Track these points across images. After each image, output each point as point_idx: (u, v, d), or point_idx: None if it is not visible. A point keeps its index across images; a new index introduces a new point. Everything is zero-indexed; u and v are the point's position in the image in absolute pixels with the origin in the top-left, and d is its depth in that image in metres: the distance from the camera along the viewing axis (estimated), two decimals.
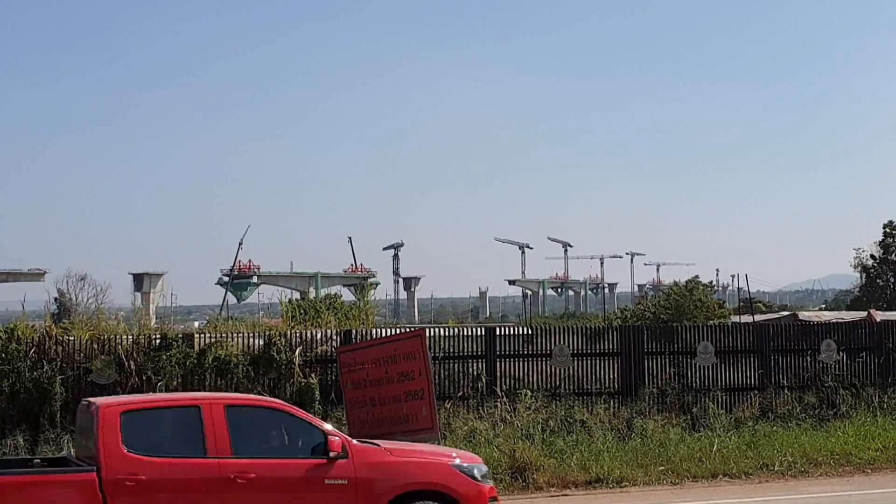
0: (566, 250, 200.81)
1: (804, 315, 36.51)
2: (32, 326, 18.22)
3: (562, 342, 20.22)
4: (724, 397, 20.06)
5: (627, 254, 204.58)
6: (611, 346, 20.76)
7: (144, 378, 17.09)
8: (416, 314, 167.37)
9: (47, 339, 17.28)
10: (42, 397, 16.67)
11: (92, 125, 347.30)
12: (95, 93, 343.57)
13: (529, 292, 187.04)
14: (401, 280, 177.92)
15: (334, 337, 19.04)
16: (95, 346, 17.43)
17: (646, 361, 20.33)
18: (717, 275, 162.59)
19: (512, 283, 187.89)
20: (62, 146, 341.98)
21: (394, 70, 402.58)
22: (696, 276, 52.71)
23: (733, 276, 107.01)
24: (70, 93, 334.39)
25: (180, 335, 18.42)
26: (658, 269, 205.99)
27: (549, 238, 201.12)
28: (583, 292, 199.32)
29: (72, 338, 17.57)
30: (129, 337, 17.89)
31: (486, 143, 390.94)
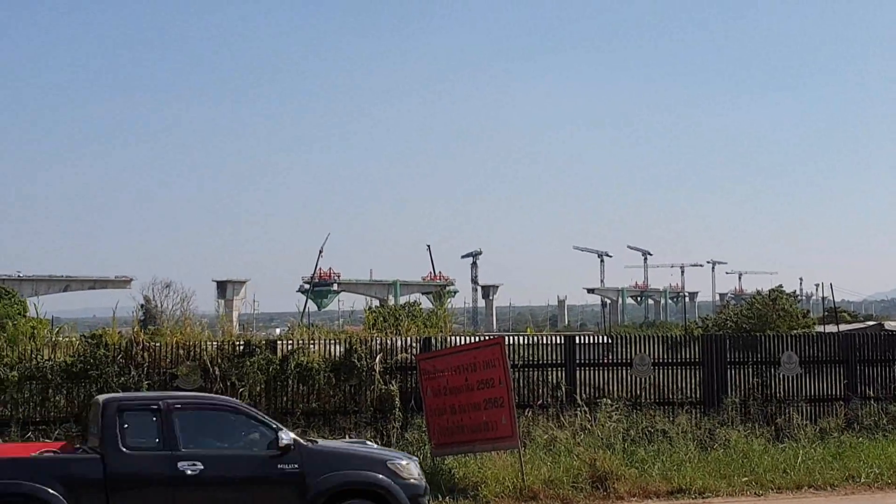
0: (646, 258, 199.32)
1: (890, 325, 35.76)
2: (120, 333, 18.60)
3: (642, 351, 20.08)
4: (808, 408, 19.76)
5: (708, 262, 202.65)
6: (692, 356, 20.56)
7: (229, 384, 17.35)
8: (495, 322, 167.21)
9: (134, 345, 17.60)
10: None
11: (173, 134, 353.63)
12: (183, 101, 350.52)
13: (608, 301, 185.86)
14: (479, 288, 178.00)
15: (414, 344, 19.12)
16: (181, 352, 17.73)
17: (728, 371, 20.10)
18: (801, 284, 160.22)
19: (591, 291, 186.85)
20: (144, 156, 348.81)
21: (477, 78, 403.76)
22: (780, 286, 51.77)
23: (817, 286, 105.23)
24: (162, 101, 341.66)
25: (263, 342, 18.64)
26: (740, 278, 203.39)
27: (629, 246, 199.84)
28: (663, 301, 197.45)
29: (158, 344, 17.89)
30: (214, 343, 18.17)
31: (565, 150, 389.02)
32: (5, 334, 18.71)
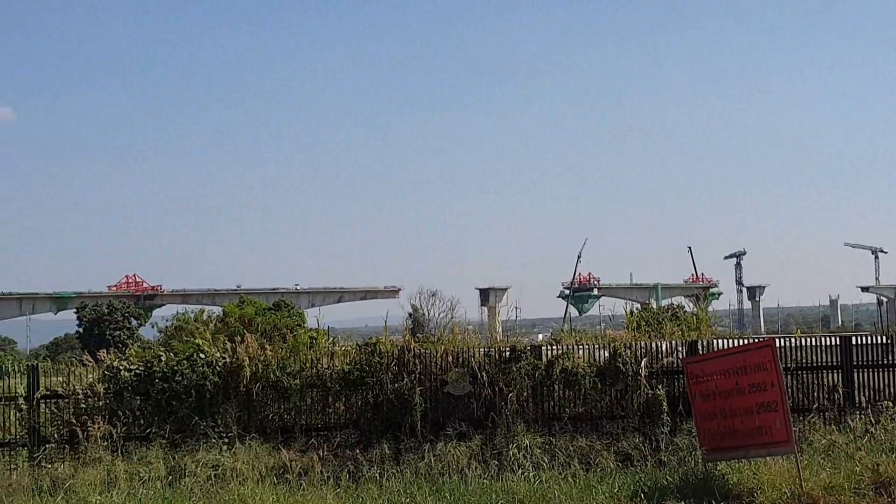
0: None
1: None
2: (392, 341, 19.28)
3: None
4: None
5: None
6: None
7: (497, 389, 17.68)
8: (762, 324, 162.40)
9: (406, 352, 18.19)
10: (403, 408, 17.58)
11: (429, 147, 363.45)
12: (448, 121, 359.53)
13: (885, 299, 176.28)
14: (744, 289, 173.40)
15: (680, 348, 18.86)
16: (450, 358, 18.19)
17: None
18: None
19: (865, 289, 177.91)
20: (405, 171, 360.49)
21: (734, 74, 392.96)
22: None
23: None
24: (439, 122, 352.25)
25: (528, 347, 18.86)
26: None
27: None
28: None
29: (428, 351, 18.43)
30: (481, 349, 18.56)
31: (830, 143, 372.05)
32: (286, 345, 19.72)
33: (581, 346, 18.98)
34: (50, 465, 16.50)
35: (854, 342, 19.38)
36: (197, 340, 19.32)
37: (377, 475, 15.91)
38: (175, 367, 17.68)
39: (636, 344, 18.86)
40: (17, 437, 17.60)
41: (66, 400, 17.64)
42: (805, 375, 18.74)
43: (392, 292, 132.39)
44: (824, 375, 18.79)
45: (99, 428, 16.90)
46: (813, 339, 19.88)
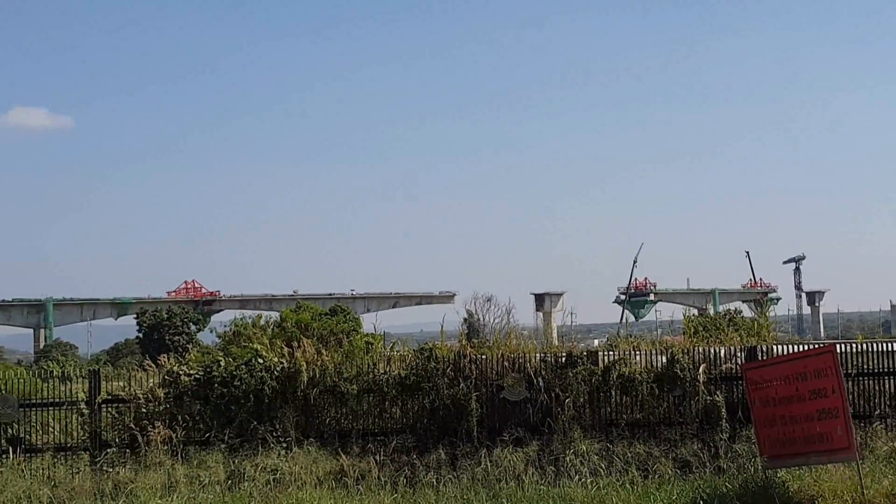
0: None
1: None
2: (448, 346, 19.27)
3: None
4: None
5: None
6: None
7: (553, 395, 17.61)
8: (822, 329, 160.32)
9: (462, 357, 18.16)
10: (459, 413, 17.55)
11: (482, 156, 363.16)
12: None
13: None
14: (803, 294, 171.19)
15: (738, 354, 18.66)
16: (506, 363, 18.15)
17: None
18: None
19: None
20: (460, 180, 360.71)
21: (783, 70, 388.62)
22: None
23: None
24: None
25: (585, 353, 18.76)
26: None
27: None
28: None
29: (484, 356, 18.40)
30: (537, 355, 18.49)
31: (891, 144, 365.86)
32: (343, 350, 19.77)
33: (638, 352, 18.82)
34: (111, 469, 16.68)
35: None
36: (255, 345, 19.45)
37: (434, 480, 15.95)
38: (234, 372, 17.81)
39: (694, 350, 18.68)
40: (79, 441, 17.83)
41: (127, 404, 17.85)
42: (866, 381, 18.49)
43: (447, 298, 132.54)
44: (886, 381, 18.52)
45: (159, 432, 17.07)
46: (874, 345, 19.57)
